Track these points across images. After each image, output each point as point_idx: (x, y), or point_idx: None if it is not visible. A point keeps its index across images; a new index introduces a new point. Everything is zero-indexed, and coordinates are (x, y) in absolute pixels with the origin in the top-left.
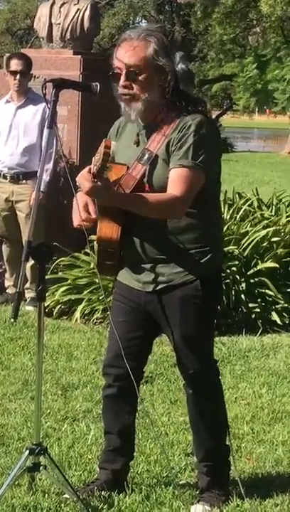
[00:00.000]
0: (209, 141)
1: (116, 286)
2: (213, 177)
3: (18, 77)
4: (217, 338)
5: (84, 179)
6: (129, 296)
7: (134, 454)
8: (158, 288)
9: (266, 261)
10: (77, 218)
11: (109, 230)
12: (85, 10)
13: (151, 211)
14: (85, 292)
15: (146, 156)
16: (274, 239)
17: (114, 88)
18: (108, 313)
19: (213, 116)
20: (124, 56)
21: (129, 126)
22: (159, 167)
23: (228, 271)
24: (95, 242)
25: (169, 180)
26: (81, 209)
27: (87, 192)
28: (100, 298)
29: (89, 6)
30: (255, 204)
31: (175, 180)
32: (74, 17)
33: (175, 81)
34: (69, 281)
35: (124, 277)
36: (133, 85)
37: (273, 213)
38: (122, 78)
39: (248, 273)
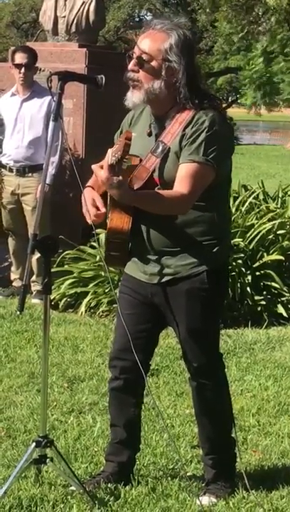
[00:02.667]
0: (221, 138)
1: (123, 279)
2: (224, 173)
3: (23, 70)
4: (222, 331)
5: (100, 168)
6: (135, 289)
7: (140, 446)
8: (164, 280)
9: (272, 253)
10: (88, 215)
11: (120, 221)
12: (90, 3)
13: (158, 209)
14: (91, 285)
15: (160, 148)
16: (280, 231)
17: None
18: (114, 305)
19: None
20: (141, 42)
21: (143, 117)
22: (170, 160)
23: (234, 263)
24: (102, 235)
25: (177, 175)
26: (90, 206)
27: (102, 182)
28: (106, 291)
29: None
30: (261, 197)
31: (184, 177)
32: (79, 10)
33: (189, 78)
34: (75, 274)
35: (130, 269)
36: (140, 71)
37: (278, 206)
38: (132, 62)
39: (254, 266)
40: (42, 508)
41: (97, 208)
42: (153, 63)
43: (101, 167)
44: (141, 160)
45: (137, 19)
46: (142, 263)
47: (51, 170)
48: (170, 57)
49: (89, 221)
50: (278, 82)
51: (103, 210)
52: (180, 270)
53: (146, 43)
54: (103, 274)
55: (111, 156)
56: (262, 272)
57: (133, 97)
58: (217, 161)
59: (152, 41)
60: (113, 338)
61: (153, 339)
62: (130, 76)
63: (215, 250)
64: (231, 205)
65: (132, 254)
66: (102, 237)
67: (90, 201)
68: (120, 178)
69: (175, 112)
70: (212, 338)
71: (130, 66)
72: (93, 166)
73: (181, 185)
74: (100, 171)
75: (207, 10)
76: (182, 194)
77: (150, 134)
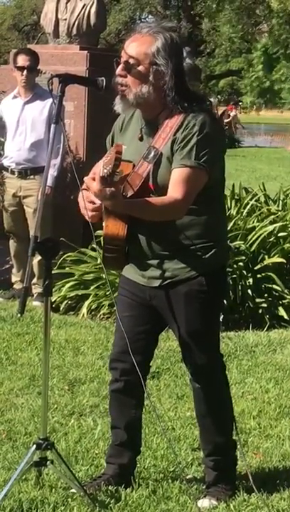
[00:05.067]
0: (212, 141)
1: (122, 282)
2: (217, 175)
3: (25, 72)
4: (223, 333)
5: (92, 180)
6: (134, 291)
7: (141, 448)
8: (162, 283)
9: (273, 256)
10: (85, 213)
11: (115, 227)
12: (91, 5)
13: (153, 216)
14: (92, 288)
15: (152, 153)
16: (281, 234)
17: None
18: (114, 308)
19: (220, 112)
20: (128, 46)
21: (133, 121)
22: (163, 166)
23: (235, 266)
24: (101, 238)
25: (171, 181)
26: (86, 203)
27: (95, 194)
28: (107, 293)
29: (95, 1)
30: (262, 199)
31: (177, 182)
32: (80, 13)
33: (177, 81)
34: (76, 277)
35: (129, 272)
36: (128, 75)
37: (280, 208)
38: (120, 67)
39: (255, 268)
40: (42, 510)
41: (93, 202)
42: (141, 67)
43: (94, 179)
44: (133, 166)
45: (138, 22)
46: (140, 267)
47: (53, 172)
48: (157, 60)
49: (87, 218)
50: (279, 91)
51: (98, 202)
52: (177, 273)
53: (132, 48)
54: (104, 276)
55: (102, 168)
56: (263, 274)
57: (121, 102)
58: (210, 164)
59: (139, 45)
60: (113, 341)
61: (153, 340)
62: (118, 81)
63: (212, 252)
64: (232, 208)
65: (130, 257)
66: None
67: (86, 199)
68: (112, 189)
69: (165, 116)
70: (212, 339)
71: (117, 71)
72: (85, 179)
73: (175, 190)
74: (92, 183)
75: (212, 12)
76: (176, 199)
77: (141, 139)
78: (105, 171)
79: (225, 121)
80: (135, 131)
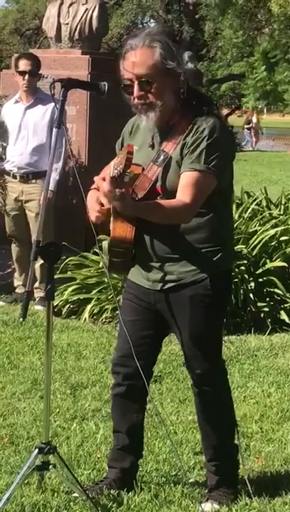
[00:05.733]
0: (222, 145)
1: (127, 286)
2: (226, 180)
3: (26, 77)
4: (225, 337)
5: (102, 180)
6: (139, 295)
7: (143, 452)
8: (167, 286)
9: (275, 260)
10: (93, 213)
11: (122, 230)
12: (93, 10)
13: (161, 219)
14: (94, 292)
15: (162, 157)
16: (283, 238)
17: (126, 99)
18: (117, 312)
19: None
20: (133, 67)
21: (144, 125)
22: (172, 170)
23: (237, 270)
24: (104, 242)
25: (179, 184)
26: (94, 203)
27: (104, 194)
28: (109, 297)
29: (97, 5)
30: (264, 203)
31: (186, 186)
32: (82, 17)
33: (187, 78)
34: (78, 281)
35: (134, 276)
36: (148, 94)
37: (281, 212)
38: (135, 89)
39: (256, 272)
40: None
41: (102, 205)
42: (157, 80)
43: (103, 179)
44: (143, 169)
45: (140, 26)
46: (145, 270)
47: (55, 176)
48: (168, 65)
49: (92, 219)
50: (283, 92)
51: (107, 205)
52: (183, 277)
53: (138, 66)
54: (106, 280)
55: (113, 169)
56: (265, 278)
57: (149, 118)
58: (219, 169)
59: (142, 61)
60: (116, 345)
61: (156, 346)
62: (139, 102)
63: (218, 257)
64: (234, 212)
65: (135, 261)
66: (105, 244)
67: (94, 199)
68: (122, 190)
69: (176, 120)
70: (215, 344)
71: (136, 94)
72: (95, 178)
73: (183, 194)
74: (102, 183)
75: (214, 17)
76: (184, 203)
77: (153, 147)
78: (116, 171)
79: (246, 127)
80: (146, 136)
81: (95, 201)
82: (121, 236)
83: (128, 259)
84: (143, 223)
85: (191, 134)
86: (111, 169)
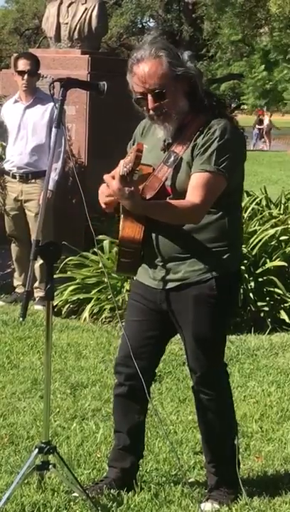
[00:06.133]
0: (233, 147)
1: (134, 286)
2: (236, 182)
3: (25, 77)
4: None
5: (112, 178)
6: (145, 296)
7: (143, 452)
8: (173, 285)
9: (275, 260)
10: (102, 198)
11: (131, 230)
12: (93, 9)
13: (170, 218)
14: (94, 291)
15: (172, 158)
16: (283, 238)
17: (141, 111)
18: (116, 312)
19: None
20: (144, 82)
21: (155, 127)
22: (183, 171)
23: None
24: (105, 242)
25: (189, 185)
26: (104, 192)
27: (114, 192)
28: (109, 297)
29: (96, 5)
30: (263, 203)
31: (196, 186)
32: (82, 17)
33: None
34: (77, 281)
35: (141, 276)
36: (163, 103)
37: (281, 212)
38: (150, 102)
39: (256, 272)
40: None
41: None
42: (169, 89)
43: (113, 177)
44: (153, 169)
45: (140, 25)
46: (152, 269)
47: (54, 176)
48: (177, 71)
49: (103, 207)
50: (282, 91)
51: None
52: (189, 276)
53: (149, 79)
54: (106, 280)
55: (122, 167)
56: (265, 278)
57: (169, 129)
58: (229, 170)
59: (152, 72)
60: (119, 344)
61: (161, 347)
62: (155, 113)
63: (225, 257)
64: None
65: (143, 260)
66: (105, 243)
67: (104, 188)
68: (131, 188)
69: (187, 121)
70: (218, 346)
71: (151, 106)
72: (105, 176)
73: (193, 194)
74: (112, 181)
75: (212, 16)
76: (194, 204)
77: (164, 151)
78: (125, 169)
79: (257, 127)
80: (158, 140)
81: (106, 189)
82: (130, 236)
83: (136, 259)
84: (151, 222)
85: (202, 136)
86: (120, 167)
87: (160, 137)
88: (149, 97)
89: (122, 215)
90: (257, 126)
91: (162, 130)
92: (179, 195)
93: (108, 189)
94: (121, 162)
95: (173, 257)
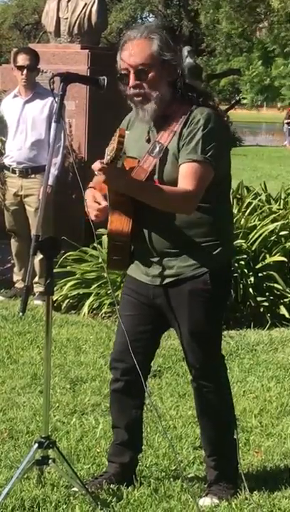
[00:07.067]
0: (218, 135)
1: (126, 281)
2: (223, 171)
3: (25, 71)
4: (225, 332)
5: (98, 166)
6: (138, 290)
7: (143, 447)
8: (167, 281)
9: (275, 255)
10: (90, 212)
11: (119, 223)
12: (93, 4)
13: (164, 203)
14: (93, 286)
15: (157, 148)
16: (282, 233)
17: (123, 90)
18: (116, 307)
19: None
20: (130, 56)
21: (139, 120)
22: (169, 161)
23: (236, 265)
24: (105, 236)
25: (180, 176)
26: (91, 203)
27: (106, 177)
28: (108, 292)
29: (96, 0)
30: (263, 198)
31: (186, 175)
32: (81, 11)
33: (183, 72)
34: (77, 276)
35: (133, 271)
36: (144, 84)
37: (281, 207)
38: (132, 78)
39: (256, 267)
40: (44, 509)
41: (99, 204)
42: (153, 70)
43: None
44: (138, 161)
45: (139, 20)
46: (144, 265)
47: (53, 171)
48: (164, 57)
49: (92, 218)
50: (280, 87)
51: (104, 203)
52: (183, 271)
53: (135, 56)
54: (105, 275)
55: (106, 155)
56: (265, 273)
57: (146, 111)
58: (215, 159)
59: (140, 51)
60: (114, 340)
61: (154, 341)
62: (134, 92)
63: (217, 251)
64: (234, 207)
65: (134, 256)
66: (105, 238)
67: (91, 198)
68: (120, 166)
69: (171, 111)
70: (214, 339)
71: (131, 83)
72: (93, 166)
73: (185, 183)
74: (102, 166)
75: (208, 9)
76: (186, 190)
77: (148, 141)
78: (108, 157)
79: (286, 121)
80: (142, 131)
81: (93, 200)
82: (118, 229)
83: (126, 254)
84: (142, 218)
85: (187, 126)
86: (105, 156)
87: (144, 128)
88: (132, 73)
89: (110, 209)
90: (286, 120)
91: (139, 115)
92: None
93: (93, 192)
94: (106, 151)
95: (165, 253)
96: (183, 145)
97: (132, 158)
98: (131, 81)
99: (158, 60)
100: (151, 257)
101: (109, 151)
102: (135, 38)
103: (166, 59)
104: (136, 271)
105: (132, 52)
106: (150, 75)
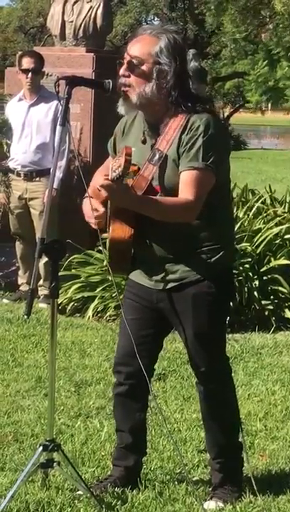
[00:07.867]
0: (218, 141)
1: (128, 285)
2: (223, 176)
3: (30, 75)
4: (230, 335)
5: (106, 183)
6: (140, 294)
7: (147, 450)
8: (170, 286)
9: (279, 258)
10: (91, 221)
11: (121, 231)
12: (98, 7)
13: (166, 215)
14: (98, 289)
15: (157, 156)
16: (287, 236)
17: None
18: (121, 310)
19: (226, 114)
20: (131, 46)
21: (135, 124)
22: (169, 168)
23: (241, 268)
24: (108, 240)
25: (181, 184)
26: (89, 214)
27: (110, 194)
28: (113, 295)
29: (101, 3)
30: (268, 201)
31: (188, 183)
32: (86, 15)
33: (180, 81)
34: (82, 279)
35: (135, 276)
36: (131, 75)
37: (286, 210)
38: (123, 67)
39: (261, 270)
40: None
41: (96, 210)
42: (144, 67)
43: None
44: (138, 168)
45: (144, 24)
46: (147, 270)
47: (58, 174)
48: (161, 60)
49: (93, 226)
50: (284, 88)
51: (102, 209)
52: (186, 275)
53: (136, 48)
54: (110, 278)
55: (111, 171)
56: (269, 276)
57: (125, 103)
58: (216, 165)
59: (142, 45)
60: (117, 344)
61: (157, 344)
62: (121, 82)
63: (220, 254)
64: (238, 210)
65: (136, 261)
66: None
67: (88, 208)
68: (125, 183)
69: (168, 118)
70: (219, 342)
71: (121, 71)
72: (99, 183)
73: (186, 192)
74: (104, 181)
75: (213, 12)
76: (187, 200)
77: (144, 142)
78: (114, 174)
79: None
80: (137, 134)
81: (91, 210)
82: (120, 237)
83: (127, 261)
84: (143, 224)
85: (186, 132)
86: (110, 172)
87: (139, 130)
88: (125, 63)
89: (111, 218)
90: None
91: (124, 107)
92: (167, 193)
93: (88, 199)
94: (101, 168)
95: (168, 258)
96: (184, 152)
97: (132, 165)
98: (122, 69)
99: (152, 60)
100: (153, 262)
101: (115, 167)
102: (145, 33)
103: (161, 62)
104: (137, 275)
105: (135, 44)
106: (140, 69)
